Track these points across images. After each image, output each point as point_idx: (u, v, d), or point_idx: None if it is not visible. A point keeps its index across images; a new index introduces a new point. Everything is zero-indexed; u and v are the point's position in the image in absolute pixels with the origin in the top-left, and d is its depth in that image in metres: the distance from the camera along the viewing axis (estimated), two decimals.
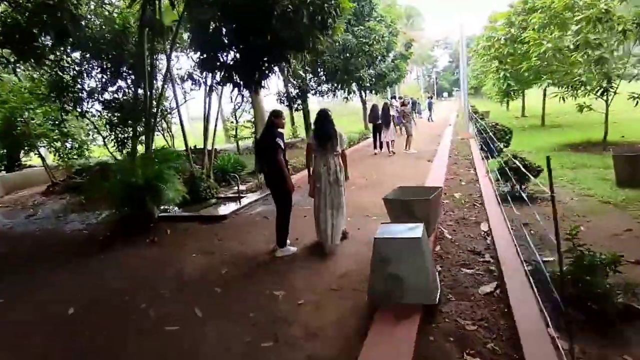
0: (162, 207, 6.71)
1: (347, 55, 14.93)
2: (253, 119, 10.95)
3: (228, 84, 7.08)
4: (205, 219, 6.52)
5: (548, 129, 12.68)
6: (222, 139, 28.50)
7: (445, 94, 67.94)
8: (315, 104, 23.72)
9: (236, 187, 8.82)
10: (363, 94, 21.12)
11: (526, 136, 11.38)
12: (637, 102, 6.74)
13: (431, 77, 69.41)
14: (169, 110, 12.74)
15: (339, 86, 17.47)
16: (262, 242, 5.11)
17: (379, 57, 16.69)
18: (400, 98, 11.63)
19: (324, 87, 18.51)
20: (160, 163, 6.49)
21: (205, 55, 6.21)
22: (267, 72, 6.53)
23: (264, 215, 6.50)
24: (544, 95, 13.37)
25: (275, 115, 4.65)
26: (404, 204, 4.12)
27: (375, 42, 15.06)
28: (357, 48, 14.66)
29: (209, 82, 7.74)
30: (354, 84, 19.17)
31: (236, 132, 16.78)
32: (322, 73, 17.08)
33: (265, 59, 6.22)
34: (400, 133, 14.53)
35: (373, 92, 22.35)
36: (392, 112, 12.79)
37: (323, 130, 4.54)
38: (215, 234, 5.76)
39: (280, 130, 4.65)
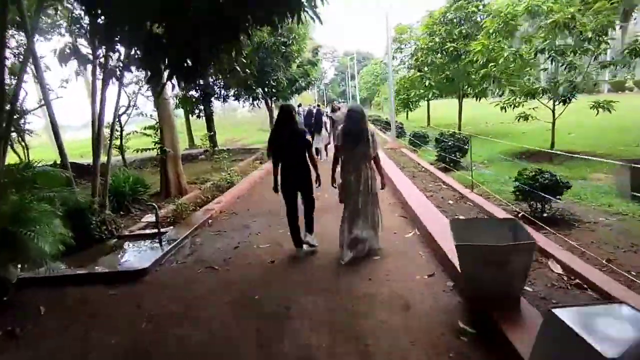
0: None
1: (262, 54, 13.15)
2: (157, 125, 8.35)
3: (139, 70, 4.73)
4: (111, 278, 4.08)
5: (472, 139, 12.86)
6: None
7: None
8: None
9: (142, 218, 6.40)
10: (270, 100, 19.46)
11: None
12: (598, 111, 6.64)
13: (320, 89, 71.16)
14: (25, 110, 9.25)
15: (249, 90, 15.50)
16: (232, 321, 3.12)
17: (292, 60, 15.29)
18: (335, 102, 10.25)
19: (231, 91, 16.31)
20: (22, 191, 3.88)
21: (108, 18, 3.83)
22: (202, 61, 4.41)
23: (208, 264, 4.37)
24: (460, 104, 13.70)
25: (294, 109, 4.48)
26: (495, 251, 2.64)
27: (292, 43, 13.61)
28: (273, 47, 13.00)
29: (112, 62, 5.06)
30: (259, 89, 17.43)
31: (121, 140, 13.47)
32: (227, 74, 14.92)
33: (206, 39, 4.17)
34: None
35: (278, 99, 20.87)
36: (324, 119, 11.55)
37: (354, 129, 4.01)
38: (137, 306, 3.48)
39: None
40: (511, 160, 8.00)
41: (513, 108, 8.73)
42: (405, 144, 11.97)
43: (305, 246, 4.50)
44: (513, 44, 7.96)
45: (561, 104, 7.13)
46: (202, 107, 15.13)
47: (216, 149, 14.23)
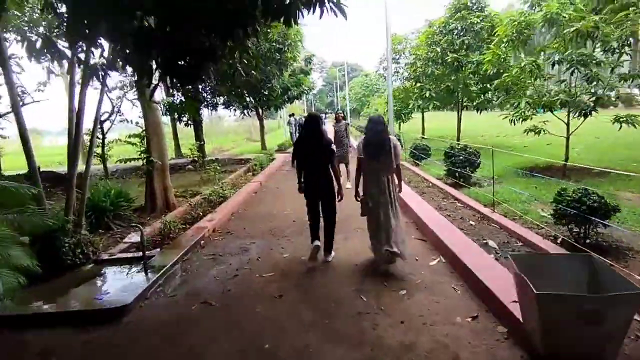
0: None
1: (258, 62, 12.59)
2: (143, 133, 7.64)
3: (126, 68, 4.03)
4: (84, 318, 3.35)
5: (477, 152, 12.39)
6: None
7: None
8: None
9: (125, 237, 5.65)
10: (260, 109, 18.85)
11: None
12: (621, 125, 6.24)
13: (309, 99, 70.92)
14: None
15: (240, 98, 14.87)
16: None
17: (286, 68, 14.75)
18: (339, 111, 9.70)
19: (221, 98, 15.64)
20: None
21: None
22: (204, 60, 3.77)
23: (203, 297, 3.68)
24: (459, 116, 13.33)
25: (321, 118, 4.46)
26: (591, 303, 2.05)
27: (287, 50, 13.08)
28: (268, 54, 12.43)
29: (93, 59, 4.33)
30: (250, 97, 16.84)
31: (103, 149, 12.65)
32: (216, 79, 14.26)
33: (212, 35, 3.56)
34: None
35: (270, 108, 20.29)
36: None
37: (377, 139, 3.92)
38: None
39: None
40: (525, 176, 7.55)
41: (522, 121, 8.33)
42: (406, 156, 11.47)
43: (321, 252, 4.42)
44: (525, 54, 7.59)
45: (581, 117, 6.71)
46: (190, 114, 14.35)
47: (205, 159, 13.52)
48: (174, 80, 3.60)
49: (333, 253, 4.45)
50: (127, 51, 3.51)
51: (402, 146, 6.16)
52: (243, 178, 10.82)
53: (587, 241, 3.94)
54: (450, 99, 12.65)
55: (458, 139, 13.40)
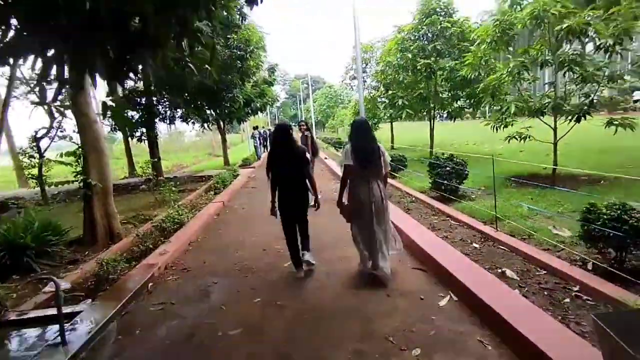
0: None
1: (217, 70, 11.53)
2: (79, 151, 6.40)
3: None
4: None
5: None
6: (11, 180, 20.13)
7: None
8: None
9: (46, 286, 4.44)
10: (222, 123, 17.68)
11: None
12: (616, 129, 5.79)
13: (272, 112, 69.97)
14: None
15: (199, 111, 13.68)
16: None
17: (249, 78, 13.79)
18: (302, 121, 8.78)
19: (178, 111, 14.38)
20: None
21: None
22: (133, 51, 2.77)
23: None
24: (432, 124, 12.87)
25: (291, 127, 4.36)
26: None
27: (250, 57, 12.13)
28: (229, 62, 11.43)
29: None
30: (211, 110, 15.70)
31: (40, 170, 11.11)
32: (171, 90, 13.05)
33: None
34: None
35: (232, 121, 19.15)
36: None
37: (366, 147, 3.71)
38: None
39: None
40: (516, 186, 7.00)
41: (503, 128, 7.85)
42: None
43: (304, 265, 4.29)
44: (510, 56, 7.14)
45: (572, 121, 6.23)
46: (144, 130, 13.02)
47: (161, 178, 12.21)
48: (94, 76, 2.57)
49: (310, 252, 4.35)
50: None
51: None
52: (204, 198, 9.66)
53: (626, 266, 3.26)
54: (423, 107, 12.17)
55: (431, 148, 12.92)
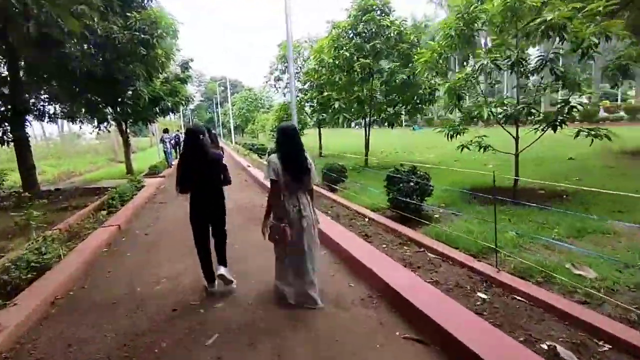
0: None
1: (113, 55, 9.13)
2: None
3: None
4: None
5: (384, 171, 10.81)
6: None
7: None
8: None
9: None
10: (124, 124, 14.82)
11: (374, 179, 9.17)
12: (592, 139, 5.17)
13: (186, 114, 65.09)
14: None
15: (93, 108, 10.97)
16: None
17: (156, 71, 11.45)
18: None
19: (56, 107, 11.43)
20: None
21: None
22: None
23: None
24: (368, 130, 11.89)
25: (209, 130, 4.45)
26: None
27: (157, 44, 9.90)
28: (129, 47, 9.12)
29: None
30: (109, 108, 12.98)
31: None
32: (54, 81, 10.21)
33: None
34: None
35: (137, 122, 16.27)
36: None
37: (297, 157, 3.29)
38: None
39: None
40: (483, 203, 6.13)
41: (456, 136, 7.05)
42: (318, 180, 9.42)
43: (217, 281, 3.87)
44: (470, 54, 6.35)
45: (548, 131, 5.52)
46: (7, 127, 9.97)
47: (39, 190, 9.42)
48: None
49: (228, 267, 3.92)
50: None
51: None
52: (92, 220, 7.29)
53: None
54: (360, 111, 11.16)
55: (366, 156, 11.99)
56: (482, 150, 6.56)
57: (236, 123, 42.77)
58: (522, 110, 5.43)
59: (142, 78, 9.97)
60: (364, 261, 4.04)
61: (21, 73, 9.87)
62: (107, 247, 5.75)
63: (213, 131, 6.63)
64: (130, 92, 9.85)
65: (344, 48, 10.33)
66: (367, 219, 5.96)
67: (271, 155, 3.39)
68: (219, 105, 53.85)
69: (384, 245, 4.70)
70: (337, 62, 10.48)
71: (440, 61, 6.30)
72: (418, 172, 5.52)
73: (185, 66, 15.66)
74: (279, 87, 18.52)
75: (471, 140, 6.89)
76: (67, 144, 40.60)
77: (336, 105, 10.08)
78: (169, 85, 14.79)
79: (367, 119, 11.72)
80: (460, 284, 3.48)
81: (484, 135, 6.90)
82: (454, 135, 7.10)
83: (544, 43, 5.44)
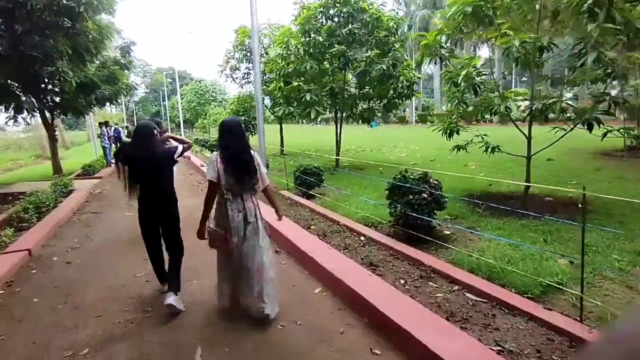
0: None
1: (25, 26, 7.08)
2: None
3: None
4: None
5: (360, 173, 9.68)
6: None
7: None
8: None
9: None
10: (50, 114, 12.44)
11: (354, 183, 8.00)
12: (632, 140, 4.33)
13: (129, 107, 60.29)
14: None
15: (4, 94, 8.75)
16: None
17: (87, 48, 9.39)
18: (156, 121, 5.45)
19: None
20: None
21: None
22: None
23: None
24: (339, 126, 10.66)
25: (158, 123, 4.06)
26: None
27: (85, 15, 7.95)
28: (47, 15, 7.13)
29: None
30: (28, 96, 10.78)
31: None
32: None
33: None
34: None
35: (66, 113, 13.84)
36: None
37: (238, 154, 2.97)
38: None
39: None
40: (487, 212, 5.14)
41: (452, 134, 6.09)
42: (288, 184, 8.08)
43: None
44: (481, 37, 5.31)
45: (588, 128, 4.58)
46: None
47: None
48: None
49: (179, 295, 3.30)
50: None
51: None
52: None
53: None
54: (334, 104, 9.90)
55: (337, 154, 10.81)
56: (488, 151, 5.62)
57: (185, 117, 39.88)
58: (552, 105, 4.47)
59: (65, 57, 7.97)
60: (393, 316, 2.80)
61: None
62: (5, 288, 4.05)
63: (162, 124, 5.10)
64: (47, 74, 7.78)
65: (317, 32, 9.02)
66: (363, 237, 4.75)
67: (213, 153, 3.07)
68: (166, 98, 50.16)
69: (402, 280, 3.52)
70: (307, 49, 9.15)
71: (447, 45, 5.24)
72: (431, 180, 4.38)
73: (126, 49, 13.52)
74: (236, 78, 16.77)
75: (470, 140, 5.95)
76: None
77: (308, 98, 8.77)
78: (106, 70, 12.63)
79: (340, 115, 10.51)
80: (543, 356, 2.36)
81: (484, 134, 5.99)
82: (451, 133, 6.13)
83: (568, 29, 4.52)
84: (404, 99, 10.26)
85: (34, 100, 11.33)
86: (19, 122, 12.18)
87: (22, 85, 9.64)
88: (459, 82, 4.82)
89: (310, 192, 7.22)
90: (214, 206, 3.06)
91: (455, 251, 3.91)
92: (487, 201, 5.43)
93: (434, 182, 4.43)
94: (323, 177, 7.52)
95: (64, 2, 7.28)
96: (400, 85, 9.68)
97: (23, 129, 35.04)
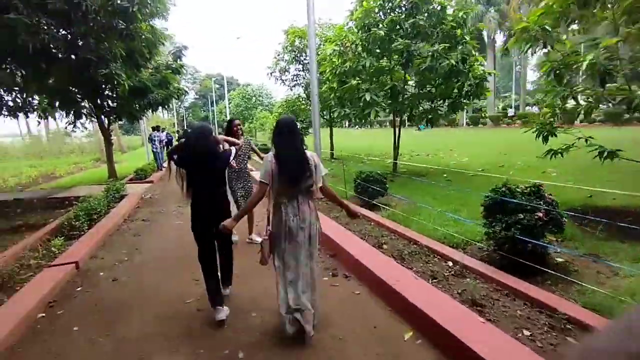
0: None
1: (81, 28, 6.94)
2: None
3: None
4: None
5: (425, 180, 8.71)
6: None
7: None
8: None
9: None
10: (107, 119, 12.64)
11: (423, 192, 7.10)
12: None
13: (180, 113, 62.65)
14: None
15: (67, 99, 8.80)
16: None
17: (139, 48, 9.20)
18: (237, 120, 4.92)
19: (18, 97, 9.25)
20: None
21: None
22: None
23: None
24: (397, 127, 9.76)
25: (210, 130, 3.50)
26: None
27: (139, 15, 7.73)
28: (101, 17, 6.95)
29: None
30: (86, 102, 10.90)
31: None
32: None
33: None
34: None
35: (121, 117, 14.06)
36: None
37: (292, 155, 2.79)
38: None
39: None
40: (611, 234, 4.09)
41: (547, 138, 5.08)
42: (347, 191, 7.36)
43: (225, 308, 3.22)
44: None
45: None
46: None
47: None
48: None
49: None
50: None
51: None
52: (40, 252, 5.13)
53: None
54: (396, 104, 9.02)
55: (395, 159, 9.92)
56: (602, 157, 4.54)
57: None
58: None
59: (119, 59, 7.77)
60: None
61: None
62: (46, 310, 3.63)
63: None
64: (101, 77, 7.60)
65: (378, 26, 8.23)
66: (451, 263, 3.89)
67: (268, 153, 2.90)
68: (214, 103, 51.43)
69: (525, 331, 2.63)
70: (365, 45, 8.39)
71: (550, 26, 4.26)
72: (546, 196, 3.45)
73: (177, 54, 13.47)
74: (286, 80, 16.35)
75: (572, 144, 4.88)
76: (54, 142, 38.10)
77: (367, 98, 8.00)
78: (159, 75, 12.64)
79: (399, 116, 9.61)
80: None
81: (590, 137, 4.91)
82: (547, 136, 5.12)
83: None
84: (471, 98, 9.19)
85: (92, 106, 11.51)
86: (77, 127, 12.46)
87: (81, 90, 9.71)
88: (583, 68, 3.82)
89: (373, 201, 6.43)
90: (271, 210, 2.91)
91: (588, 290, 2.96)
92: (598, 217, 4.35)
93: (549, 197, 3.49)
94: (387, 185, 6.72)
95: (118, 2, 7.09)
96: (468, 83, 8.65)
97: (86, 133, 37.15)
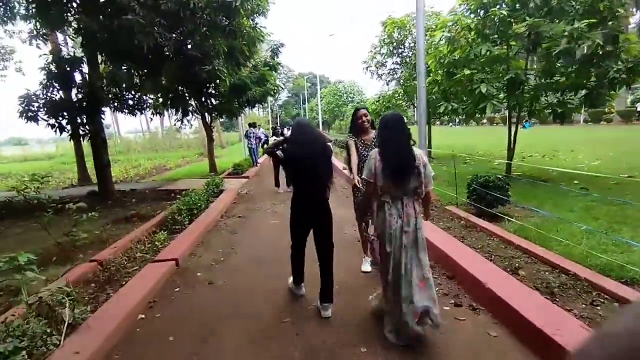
0: None
1: (189, 26, 7.12)
2: None
3: None
4: None
5: (556, 183, 7.38)
6: None
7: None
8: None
9: None
10: (208, 116, 13.33)
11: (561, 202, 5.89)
12: None
13: (274, 110, 65.61)
14: None
15: (177, 98, 9.33)
16: None
17: (240, 44, 9.25)
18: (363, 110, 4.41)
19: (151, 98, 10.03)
20: None
21: None
22: None
23: None
24: (512, 123, 8.41)
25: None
26: None
27: (240, 10, 7.72)
28: (208, 13, 7.04)
29: None
30: (193, 100, 11.49)
31: None
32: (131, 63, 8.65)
33: None
34: None
35: (221, 114, 14.75)
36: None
37: (402, 153, 2.67)
38: None
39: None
40: None
41: None
42: (457, 197, 6.43)
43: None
44: None
45: None
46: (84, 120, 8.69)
47: (113, 188, 8.02)
48: None
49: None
50: None
51: None
52: (145, 246, 5.25)
53: None
54: (513, 98, 7.70)
55: (510, 159, 8.56)
56: None
57: (324, 119, 40.92)
58: None
59: (221, 56, 7.88)
60: None
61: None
62: (146, 311, 3.52)
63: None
64: (205, 73, 7.76)
65: (497, 5, 7.07)
66: (619, 304, 2.87)
67: (373, 150, 2.80)
68: (306, 101, 52.68)
69: None
70: (481, 29, 7.28)
71: None
72: None
73: (275, 51, 13.59)
74: (382, 74, 15.60)
75: None
76: (167, 138, 42.53)
77: (483, 90, 6.92)
78: (257, 72, 12.90)
79: (517, 111, 8.22)
80: None
81: None
82: None
83: None
84: (617, 87, 7.45)
85: (197, 104, 12.17)
86: (185, 124, 13.34)
87: (188, 89, 10.24)
88: None
89: (493, 211, 5.45)
90: (375, 209, 2.79)
91: None
92: None
93: None
94: (509, 192, 5.66)
95: None
96: (615, 68, 6.99)
97: (192, 130, 40.86)
